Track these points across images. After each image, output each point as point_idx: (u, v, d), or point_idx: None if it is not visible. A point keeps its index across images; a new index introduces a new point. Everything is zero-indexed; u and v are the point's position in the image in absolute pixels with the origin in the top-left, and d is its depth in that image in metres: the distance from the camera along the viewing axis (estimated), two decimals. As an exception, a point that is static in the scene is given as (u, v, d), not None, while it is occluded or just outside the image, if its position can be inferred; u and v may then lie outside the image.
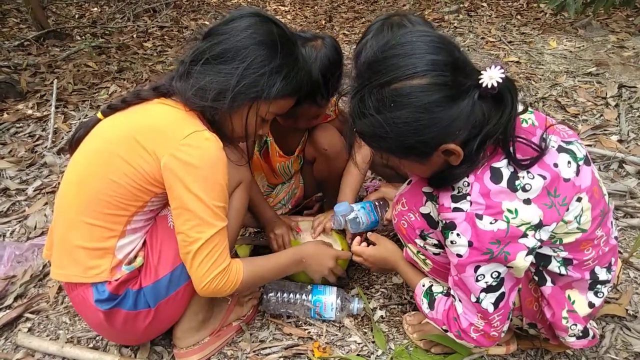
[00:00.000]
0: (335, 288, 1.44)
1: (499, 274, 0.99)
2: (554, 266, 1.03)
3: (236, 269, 1.15)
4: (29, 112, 2.86)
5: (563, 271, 1.04)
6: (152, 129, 1.10)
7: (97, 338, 1.42)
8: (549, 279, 1.06)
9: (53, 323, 1.49)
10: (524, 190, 0.93)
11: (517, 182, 0.94)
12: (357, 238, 1.41)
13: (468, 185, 0.96)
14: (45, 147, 2.51)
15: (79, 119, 2.82)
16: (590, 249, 1.03)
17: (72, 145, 1.22)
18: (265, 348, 1.36)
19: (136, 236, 1.17)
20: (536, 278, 1.07)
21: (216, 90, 1.10)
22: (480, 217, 0.94)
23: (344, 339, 1.39)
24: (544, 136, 0.98)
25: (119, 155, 1.08)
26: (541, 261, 1.03)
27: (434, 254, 1.13)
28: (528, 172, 0.94)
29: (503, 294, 1.02)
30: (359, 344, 1.37)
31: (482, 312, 1.03)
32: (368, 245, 1.38)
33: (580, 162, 1.00)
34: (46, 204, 2.06)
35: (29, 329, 1.47)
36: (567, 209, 0.96)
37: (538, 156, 0.95)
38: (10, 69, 3.39)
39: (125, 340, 1.33)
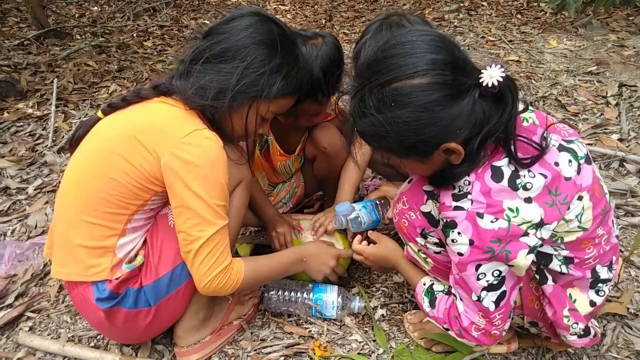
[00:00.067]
0: (336, 286, 1.44)
1: (500, 272, 0.99)
2: (555, 265, 1.03)
3: (238, 268, 1.15)
4: (29, 111, 2.86)
5: (564, 270, 1.04)
6: (153, 127, 1.10)
7: (98, 337, 1.42)
8: (550, 277, 1.06)
9: (54, 322, 1.49)
10: (525, 189, 0.93)
11: (518, 181, 0.94)
12: (358, 237, 1.41)
13: (469, 184, 0.96)
14: (46, 146, 2.51)
15: (79, 118, 2.82)
16: (592, 248, 1.03)
17: (73, 144, 1.22)
18: (266, 347, 1.36)
19: (136, 235, 1.17)
20: (537, 277, 1.07)
21: (216, 89, 1.10)
22: (481, 215, 0.94)
23: (345, 338, 1.39)
24: (545, 135, 0.98)
25: (119, 153, 1.08)
26: (542, 260, 1.03)
27: (435, 252, 1.13)
28: (529, 171, 0.94)
29: (504, 292, 1.02)
30: (359, 342, 1.37)
31: (483, 310, 1.03)
32: (369, 244, 1.38)
33: (581, 161, 1.00)
34: (47, 202, 2.06)
35: (30, 328, 1.47)
36: (568, 208, 0.96)
37: (539, 155, 0.95)
38: (11, 68, 3.39)
39: (126, 339, 1.33)
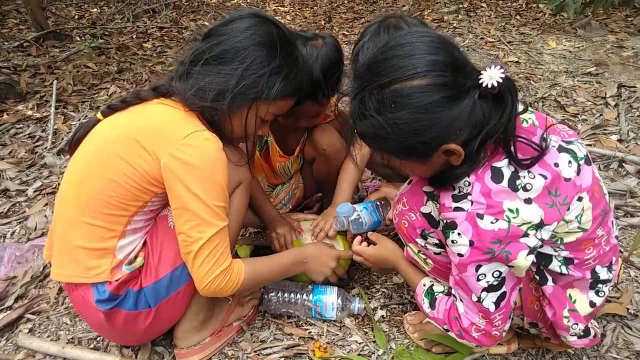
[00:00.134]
0: (336, 288, 1.44)
1: (500, 273, 0.99)
2: (555, 265, 1.03)
3: (238, 269, 1.15)
4: (29, 113, 2.86)
5: (564, 270, 1.04)
6: (152, 129, 1.10)
7: (98, 339, 1.42)
8: (550, 278, 1.06)
9: (54, 324, 1.49)
10: (525, 189, 0.93)
11: (518, 182, 0.94)
12: (358, 238, 1.41)
13: (469, 184, 0.96)
14: (45, 148, 2.51)
15: (79, 120, 2.83)
16: (591, 249, 1.03)
17: (72, 145, 1.22)
18: (266, 348, 1.36)
19: (136, 236, 1.17)
20: (537, 277, 1.07)
21: (216, 90, 1.10)
22: (481, 216, 0.94)
23: (345, 339, 1.39)
24: (545, 136, 0.98)
25: (119, 155, 1.08)
26: (542, 260, 1.03)
27: (435, 253, 1.13)
28: (529, 172, 0.94)
29: (504, 293, 1.02)
30: (359, 343, 1.37)
31: (483, 311, 1.03)
32: (369, 245, 1.38)
33: (581, 162, 1.00)
34: (46, 204, 2.06)
35: (30, 330, 1.47)
36: (568, 209, 0.96)
37: (539, 156, 0.95)
38: (10, 69, 3.39)
39: (126, 341, 1.33)
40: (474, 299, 1.03)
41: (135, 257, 1.17)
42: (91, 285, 1.12)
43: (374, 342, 1.37)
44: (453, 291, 1.10)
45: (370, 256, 1.36)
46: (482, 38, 3.86)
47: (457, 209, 0.97)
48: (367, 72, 0.95)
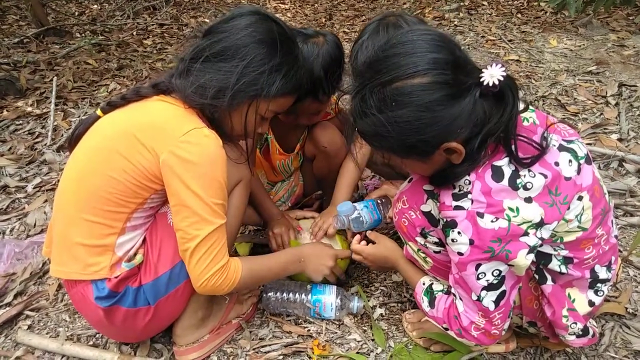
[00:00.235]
0: (334, 287, 1.44)
1: (500, 272, 0.99)
2: (555, 265, 1.03)
3: (235, 267, 1.15)
4: (29, 109, 2.86)
5: (563, 270, 1.04)
6: (152, 126, 1.10)
7: (97, 335, 1.42)
8: (549, 277, 1.06)
9: (53, 320, 1.49)
10: (525, 188, 0.93)
11: (518, 181, 0.93)
12: (357, 237, 1.41)
13: (469, 183, 0.96)
14: (45, 145, 2.51)
15: (79, 117, 2.82)
16: (591, 248, 1.03)
17: (72, 142, 1.22)
18: (265, 346, 1.36)
19: (136, 233, 1.16)
20: (536, 276, 1.07)
21: (216, 88, 1.10)
22: (481, 215, 0.94)
23: (344, 337, 1.39)
24: (545, 135, 0.98)
25: (119, 152, 1.08)
26: (542, 260, 1.03)
27: (435, 252, 1.13)
28: (529, 171, 0.94)
29: (504, 292, 1.02)
30: (358, 341, 1.37)
31: (483, 310, 1.03)
32: (368, 244, 1.38)
33: (582, 161, 0.99)
34: (46, 201, 2.06)
35: (29, 327, 1.47)
36: (568, 208, 0.96)
37: (539, 155, 0.95)
38: (10, 66, 3.39)
39: (125, 338, 1.33)
40: (474, 297, 1.03)
41: (135, 254, 1.17)
42: (90, 282, 1.12)
43: (373, 340, 1.37)
44: (453, 290, 1.10)
45: (370, 255, 1.36)
46: (483, 36, 3.85)
47: (457, 207, 0.97)
48: (368, 70, 0.95)
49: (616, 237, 1.11)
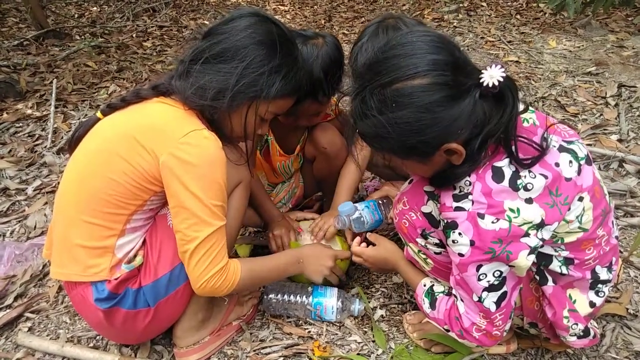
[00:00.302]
0: (335, 290, 1.44)
1: (501, 273, 0.99)
2: (555, 265, 1.03)
3: (234, 269, 1.15)
4: (29, 111, 2.86)
5: (564, 270, 1.04)
6: (151, 127, 1.10)
7: (98, 337, 1.42)
8: (550, 278, 1.06)
9: (53, 322, 1.49)
10: (526, 189, 0.93)
11: (518, 182, 0.93)
12: (357, 238, 1.41)
13: (470, 184, 0.96)
14: (45, 147, 2.51)
15: (79, 119, 2.82)
16: (592, 249, 1.03)
17: (72, 144, 1.22)
18: (266, 347, 1.36)
19: (136, 235, 1.16)
20: (537, 277, 1.07)
21: (215, 89, 1.10)
22: (482, 216, 0.94)
23: (344, 338, 1.39)
24: (545, 135, 0.98)
25: (119, 154, 1.08)
26: (542, 260, 1.03)
27: (435, 253, 1.13)
28: (530, 172, 0.94)
29: (505, 293, 1.02)
30: (359, 343, 1.37)
31: (484, 311, 1.03)
32: (368, 246, 1.38)
33: (582, 162, 1.00)
34: (46, 203, 2.06)
35: (29, 329, 1.47)
36: (569, 209, 0.96)
37: (539, 155, 0.95)
38: (10, 68, 3.39)
39: (125, 340, 1.33)
40: (475, 298, 1.02)
41: (135, 255, 1.17)
42: (90, 283, 1.12)
43: (374, 341, 1.37)
44: (454, 291, 1.10)
45: (370, 257, 1.36)
46: (482, 37, 3.86)
47: (458, 208, 0.97)
48: (368, 72, 0.95)
49: (617, 237, 1.11)
